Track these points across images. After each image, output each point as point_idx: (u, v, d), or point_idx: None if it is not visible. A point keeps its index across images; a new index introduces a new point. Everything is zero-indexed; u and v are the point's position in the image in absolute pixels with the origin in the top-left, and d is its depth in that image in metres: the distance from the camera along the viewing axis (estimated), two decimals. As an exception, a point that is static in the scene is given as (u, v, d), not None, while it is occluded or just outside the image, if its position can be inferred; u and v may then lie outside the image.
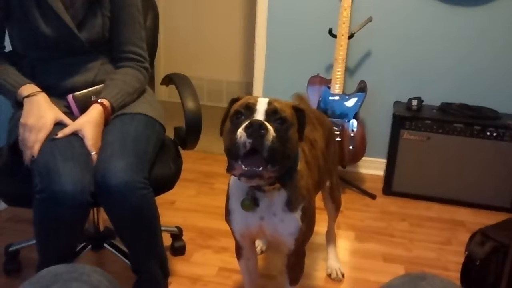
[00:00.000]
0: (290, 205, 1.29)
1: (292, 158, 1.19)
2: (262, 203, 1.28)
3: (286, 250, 1.39)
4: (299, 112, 1.23)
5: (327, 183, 1.78)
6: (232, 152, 1.10)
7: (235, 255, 1.54)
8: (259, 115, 1.13)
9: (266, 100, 1.17)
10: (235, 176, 1.14)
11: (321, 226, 2.18)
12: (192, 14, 4.09)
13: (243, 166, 1.09)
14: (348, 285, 1.91)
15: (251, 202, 1.27)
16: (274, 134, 1.08)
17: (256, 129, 1.06)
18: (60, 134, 1.41)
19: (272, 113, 1.14)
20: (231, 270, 1.95)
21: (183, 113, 1.68)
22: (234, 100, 1.22)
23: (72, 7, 1.54)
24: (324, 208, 1.91)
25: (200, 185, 2.72)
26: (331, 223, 1.96)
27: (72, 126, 1.45)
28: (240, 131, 1.08)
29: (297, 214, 1.30)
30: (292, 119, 1.17)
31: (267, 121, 1.10)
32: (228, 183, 1.37)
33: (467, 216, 2.53)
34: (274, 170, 1.11)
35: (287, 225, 1.30)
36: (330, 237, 1.99)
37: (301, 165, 1.31)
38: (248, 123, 1.08)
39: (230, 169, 1.14)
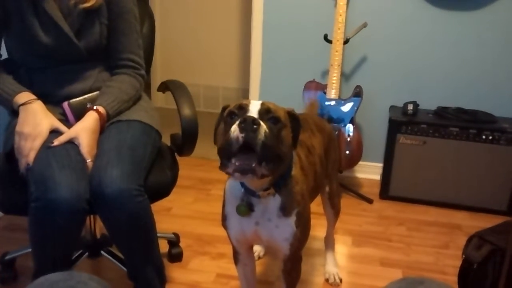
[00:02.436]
0: (284, 210, 1.29)
1: (286, 160, 1.20)
2: (257, 208, 1.28)
3: (282, 256, 1.39)
4: (294, 119, 1.23)
5: (327, 189, 1.78)
6: (226, 150, 1.10)
7: (232, 261, 1.54)
8: (252, 113, 1.13)
9: (259, 101, 1.18)
10: (228, 173, 1.13)
11: (319, 231, 2.18)
12: (188, 21, 4.10)
13: (236, 163, 1.09)
14: (346, 290, 1.91)
15: (246, 208, 1.27)
16: (267, 130, 1.09)
17: (249, 124, 1.07)
18: (56, 142, 1.41)
19: (265, 112, 1.14)
20: (228, 277, 1.94)
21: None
22: (225, 108, 1.23)
23: (70, 16, 1.54)
24: (322, 213, 1.91)
25: (197, 192, 2.71)
26: (330, 229, 1.96)
27: (67, 133, 1.44)
28: (234, 127, 1.09)
29: (292, 219, 1.30)
30: (285, 121, 1.18)
31: (260, 119, 1.10)
32: (224, 189, 1.37)
33: (464, 219, 2.54)
34: (268, 169, 1.11)
35: (282, 230, 1.30)
36: (329, 242, 1.99)
37: (295, 171, 1.32)
38: (242, 119, 1.08)
39: (223, 167, 1.13)
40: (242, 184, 1.27)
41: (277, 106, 1.19)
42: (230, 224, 1.37)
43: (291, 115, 1.23)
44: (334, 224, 1.94)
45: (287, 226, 1.30)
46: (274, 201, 1.28)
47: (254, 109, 1.15)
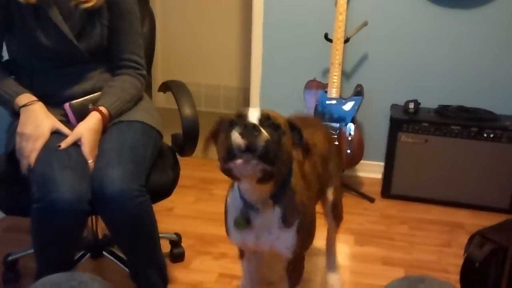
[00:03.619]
0: (285, 222, 1.29)
1: (286, 167, 1.19)
2: (256, 222, 1.28)
3: (285, 258, 1.40)
4: (294, 129, 1.22)
5: (330, 198, 1.75)
6: (227, 157, 1.10)
7: (234, 261, 1.54)
8: (253, 120, 1.13)
9: (258, 109, 1.17)
10: (228, 170, 1.11)
11: (322, 231, 2.17)
12: (189, 21, 4.10)
13: (237, 161, 1.07)
14: (348, 289, 1.91)
15: (244, 222, 1.27)
16: (267, 136, 1.09)
17: (250, 130, 1.07)
18: (63, 145, 1.41)
19: (265, 119, 1.14)
20: (230, 276, 1.94)
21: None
22: (221, 121, 1.21)
23: (71, 18, 1.54)
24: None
25: (198, 192, 2.71)
26: (332, 235, 1.91)
27: (73, 135, 1.45)
28: (235, 134, 1.08)
29: (293, 230, 1.30)
30: (285, 128, 1.17)
31: (260, 126, 1.10)
32: (226, 199, 1.37)
33: (466, 218, 2.53)
34: (269, 170, 1.09)
35: (283, 241, 1.31)
36: (330, 251, 1.93)
37: (295, 181, 1.30)
38: (243, 125, 1.08)
39: (224, 167, 1.12)
40: (242, 197, 1.27)
41: (276, 114, 1.19)
42: (232, 235, 1.38)
43: (291, 124, 1.21)
44: (335, 232, 1.89)
45: (289, 237, 1.30)
46: (274, 214, 1.27)
47: (253, 116, 1.14)
